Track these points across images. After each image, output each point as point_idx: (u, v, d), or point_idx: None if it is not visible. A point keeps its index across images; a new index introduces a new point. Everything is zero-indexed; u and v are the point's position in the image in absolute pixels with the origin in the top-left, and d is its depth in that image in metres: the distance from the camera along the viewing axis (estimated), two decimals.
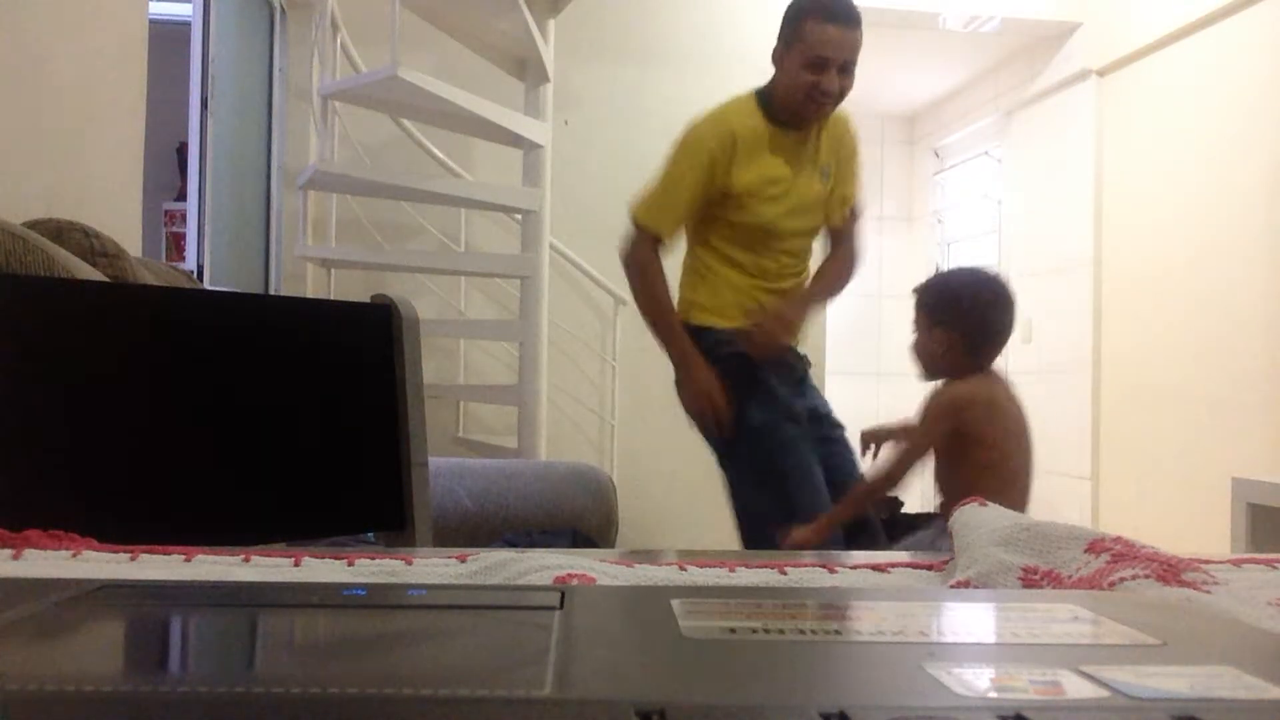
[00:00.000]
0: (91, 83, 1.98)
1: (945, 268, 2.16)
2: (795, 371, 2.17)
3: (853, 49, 1.98)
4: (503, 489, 2.28)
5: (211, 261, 3.08)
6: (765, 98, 2.06)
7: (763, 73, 2.15)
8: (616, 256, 2.19)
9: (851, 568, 0.58)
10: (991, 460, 1.98)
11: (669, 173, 2.05)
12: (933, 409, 2.04)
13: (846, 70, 1.99)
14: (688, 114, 2.12)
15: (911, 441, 2.05)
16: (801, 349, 2.24)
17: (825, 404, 2.22)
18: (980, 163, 4.92)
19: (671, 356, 2.09)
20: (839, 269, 2.25)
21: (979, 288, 2.08)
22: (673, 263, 2.17)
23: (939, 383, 2.11)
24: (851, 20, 1.97)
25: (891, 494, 3.37)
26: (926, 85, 5.14)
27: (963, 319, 2.03)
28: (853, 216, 2.23)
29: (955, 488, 2.03)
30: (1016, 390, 2.11)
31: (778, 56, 2.03)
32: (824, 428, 2.16)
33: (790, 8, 2.01)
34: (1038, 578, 0.48)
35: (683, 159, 2.04)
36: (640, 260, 2.09)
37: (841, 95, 2.02)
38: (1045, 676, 0.23)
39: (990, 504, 0.59)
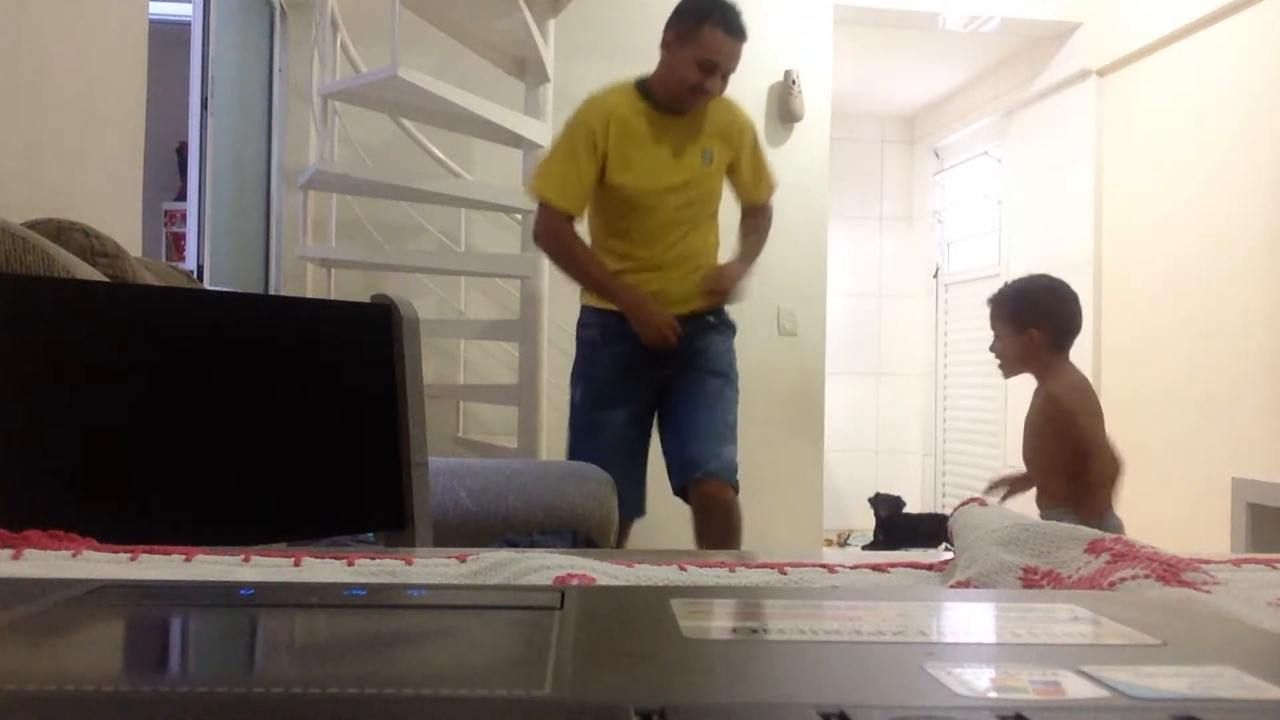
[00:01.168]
0: (91, 83, 1.98)
1: (1013, 277, 2.56)
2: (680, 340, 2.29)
3: (737, 59, 2.25)
4: (503, 489, 2.27)
5: (211, 261, 3.08)
6: (644, 85, 2.29)
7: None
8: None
9: (851, 568, 0.58)
10: (1085, 448, 2.25)
11: (555, 147, 2.30)
12: (1061, 408, 2.28)
13: (725, 75, 2.26)
14: None
15: (1045, 458, 2.29)
16: (729, 312, 2.41)
17: (719, 356, 2.37)
18: (980, 163, 4.92)
19: (621, 305, 2.26)
20: (758, 238, 2.45)
21: (1055, 287, 2.38)
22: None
23: (1037, 384, 2.37)
24: (743, 35, 2.23)
25: (893, 495, 3.47)
26: (926, 85, 5.14)
27: (1049, 316, 2.33)
28: (759, 208, 2.47)
29: (1054, 476, 2.29)
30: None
31: (668, 45, 2.24)
32: (696, 370, 2.34)
33: (691, 8, 2.23)
34: (1038, 578, 0.48)
35: (566, 134, 2.27)
36: (548, 230, 2.27)
37: (718, 94, 2.28)
38: (1045, 676, 0.23)
39: (990, 504, 0.59)
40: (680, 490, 2.34)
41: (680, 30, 2.23)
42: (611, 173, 2.25)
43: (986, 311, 2.45)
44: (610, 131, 2.23)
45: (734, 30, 2.21)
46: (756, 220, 2.48)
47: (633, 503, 2.30)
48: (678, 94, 2.23)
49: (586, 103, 2.29)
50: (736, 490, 2.31)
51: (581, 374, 2.38)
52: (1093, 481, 2.23)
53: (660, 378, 2.34)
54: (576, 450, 2.34)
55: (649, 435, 2.41)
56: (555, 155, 2.29)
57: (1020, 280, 2.47)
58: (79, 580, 0.33)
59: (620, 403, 2.33)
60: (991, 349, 2.45)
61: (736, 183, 2.42)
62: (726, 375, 2.39)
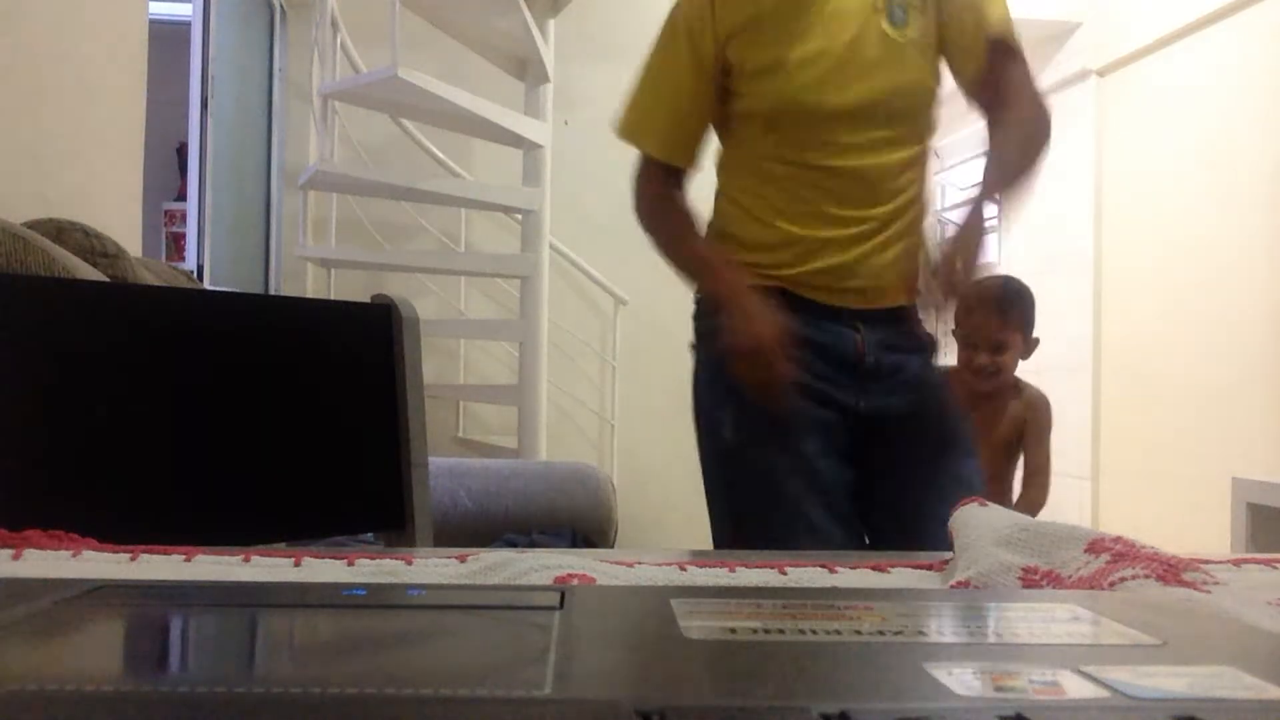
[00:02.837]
0: (91, 83, 1.98)
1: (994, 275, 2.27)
2: (842, 345, 1.36)
3: None
4: (503, 489, 2.28)
5: (211, 261, 3.08)
6: None
7: None
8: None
9: (851, 568, 0.58)
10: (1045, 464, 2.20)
11: (644, 69, 1.44)
12: (1046, 412, 2.19)
13: None
14: None
15: (1043, 457, 2.19)
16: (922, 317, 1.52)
17: (948, 418, 1.44)
18: (980, 163, 4.92)
19: (714, 295, 1.37)
20: (1025, 134, 1.45)
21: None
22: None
23: (1017, 387, 2.20)
24: None
25: None
26: None
27: (1032, 322, 2.14)
28: (1009, 54, 1.39)
29: (1009, 485, 2.20)
30: None
31: None
32: (925, 435, 1.38)
33: None
34: (1038, 578, 0.48)
35: (656, 48, 1.42)
36: (636, 192, 1.46)
37: None
38: (1045, 676, 0.23)
39: (990, 504, 0.59)
40: None
41: None
42: (740, 75, 1.34)
43: (982, 317, 2.05)
44: (715, 13, 1.34)
45: None
46: (1018, 97, 1.43)
47: None
48: None
49: None
50: None
51: (725, 393, 1.33)
52: (1030, 500, 2.12)
53: (853, 411, 1.36)
54: (733, 507, 1.37)
55: (848, 490, 1.35)
56: (644, 77, 1.43)
57: (1008, 281, 2.10)
58: (79, 580, 0.33)
59: (796, 439, 1.32)
60: (993, 364, 2.01)
61: (955, 32, 1.38)
62: (967, 444, 1.43)
